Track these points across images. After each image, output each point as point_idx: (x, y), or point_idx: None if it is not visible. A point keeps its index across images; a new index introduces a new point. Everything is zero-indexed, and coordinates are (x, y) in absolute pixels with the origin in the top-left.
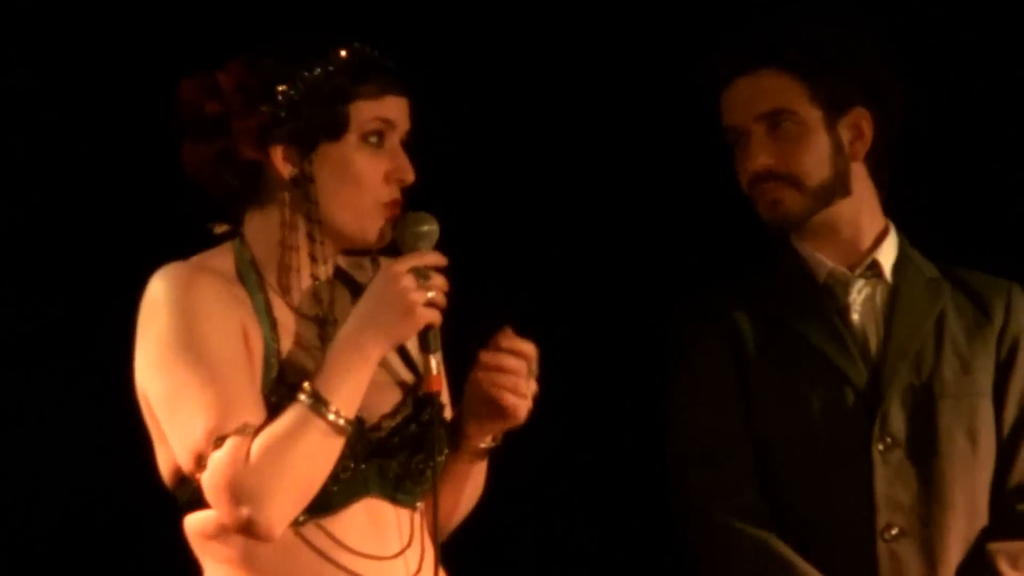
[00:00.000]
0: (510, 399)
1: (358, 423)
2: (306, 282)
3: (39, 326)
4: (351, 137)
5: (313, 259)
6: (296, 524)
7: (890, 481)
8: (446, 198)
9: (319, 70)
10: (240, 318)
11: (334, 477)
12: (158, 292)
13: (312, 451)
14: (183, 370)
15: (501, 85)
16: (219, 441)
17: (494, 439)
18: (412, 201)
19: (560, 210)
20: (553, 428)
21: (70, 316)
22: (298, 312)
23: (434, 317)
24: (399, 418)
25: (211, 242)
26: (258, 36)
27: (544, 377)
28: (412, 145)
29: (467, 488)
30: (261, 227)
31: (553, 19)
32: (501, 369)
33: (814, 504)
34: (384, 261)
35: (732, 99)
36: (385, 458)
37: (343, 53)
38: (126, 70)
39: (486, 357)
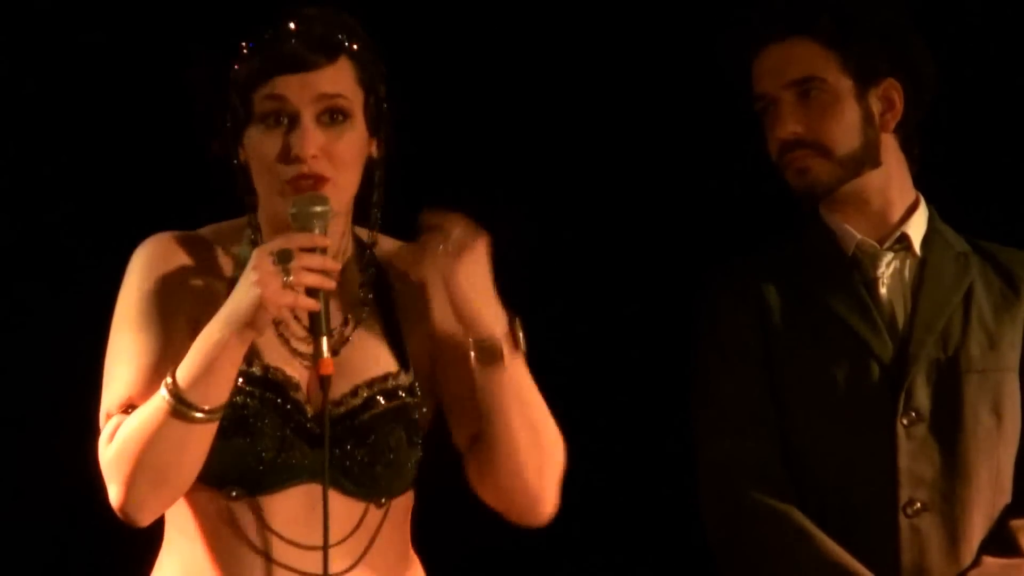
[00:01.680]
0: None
1: (299, 409)
2: None
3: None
4: (255, 122)
5: (256, 244)
6: (229, 498)
7: (913, 456)
8: (471, 173)
9: (236, 62)
10: (201, 297)
11: (259, 459)
12: (132, 260)
13: (169, 443)
14: (115, 343)
15: (518, 60)
16: (108, 418)
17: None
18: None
19: (586, 180)
20: (577, 404)
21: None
22: None
23: (288, 300)
24: (344, 408)
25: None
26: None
27: (570, 350)
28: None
29: (507, 407)
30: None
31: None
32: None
33: (837, 477)
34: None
35: (762, 66)
36: (331, 447)
37: (255, 38)
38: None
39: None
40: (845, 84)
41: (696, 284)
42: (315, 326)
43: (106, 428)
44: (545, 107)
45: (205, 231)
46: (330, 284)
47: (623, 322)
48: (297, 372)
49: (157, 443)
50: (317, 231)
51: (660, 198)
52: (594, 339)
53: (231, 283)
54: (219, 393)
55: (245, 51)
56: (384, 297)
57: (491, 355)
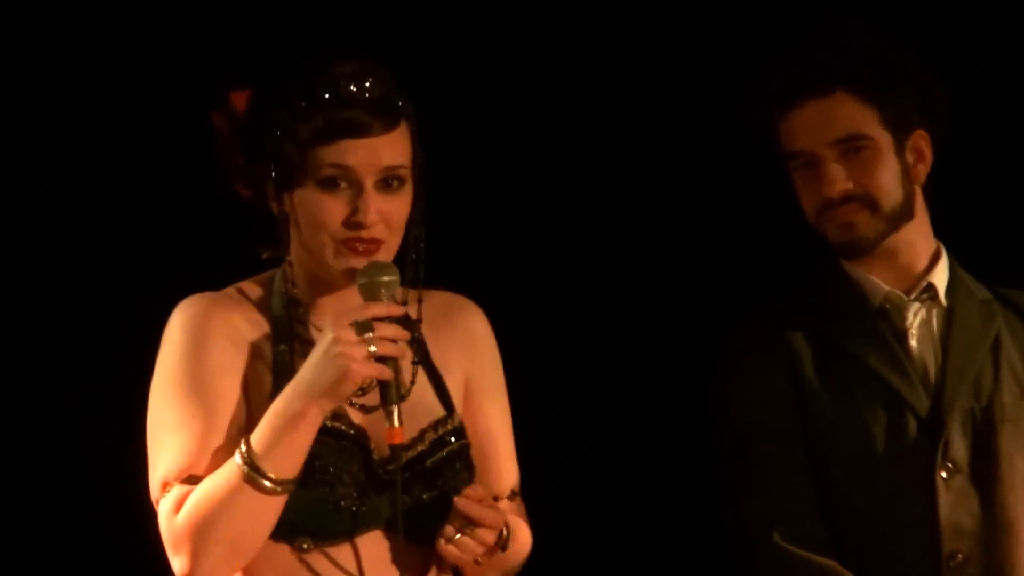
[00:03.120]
0: (450, 549)
1: (367, 457)
2: (319, 316)
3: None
4: (312, 182)
5: (294, 300)
6: (301, 550)
7: (953, 507)
8: (505, 197)
9: (290, 115)
10: (245, 358)
11: (339, 508)
12: (171, 324)
13: (243, 514)
14: (163, 409)
15: (551, 89)
16: (167, 487)
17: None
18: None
19: (610, 220)
20: (601, 445)
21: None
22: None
23: (374, 371)
24: (413, 453)
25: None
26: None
27: (594, 390)
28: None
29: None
30: (293, 257)
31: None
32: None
33: (877, 531)
34: (331, 315)
35: (799, 123)
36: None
37: (314, 95)
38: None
39: (460, 504)
40: (886, 139)
41: (719, 328)
42: (388, 394)
43: (167, 498)
44: (573, 142)
45: (231, 291)
46: (403, 353)
47: (644, 360)
48: (360, 420)
49: (232, 513)
50: (385, 300)
51: (675, 243)
52: (613, 383)
53: (272, 340)
54: (295, 463)
55: (304, 106)
56: (421, 345)
57: None
